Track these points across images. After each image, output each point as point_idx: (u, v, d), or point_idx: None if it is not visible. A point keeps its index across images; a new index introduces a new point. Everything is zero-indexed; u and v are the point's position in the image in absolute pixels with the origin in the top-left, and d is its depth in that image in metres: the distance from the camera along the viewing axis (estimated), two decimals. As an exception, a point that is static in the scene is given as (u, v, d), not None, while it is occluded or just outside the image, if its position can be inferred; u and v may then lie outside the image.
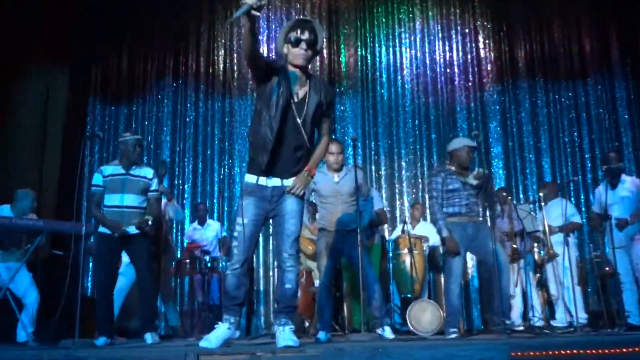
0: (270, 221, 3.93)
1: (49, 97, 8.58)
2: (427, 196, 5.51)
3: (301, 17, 3.83)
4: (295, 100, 3.66)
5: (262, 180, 3.67)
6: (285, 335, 3.53)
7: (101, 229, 5.30)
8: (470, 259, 8.47)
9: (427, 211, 9.05)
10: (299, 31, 3.64)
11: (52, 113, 8.59)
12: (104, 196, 5.32)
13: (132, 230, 5.20)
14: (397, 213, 9.31)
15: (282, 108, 3.58)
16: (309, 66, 3.81)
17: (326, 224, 5.37)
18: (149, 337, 5.13)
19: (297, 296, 3.91)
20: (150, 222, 5.26)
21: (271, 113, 3.58)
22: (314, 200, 5.64)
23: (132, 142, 5.39)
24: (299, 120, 3.64)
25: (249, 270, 3.83)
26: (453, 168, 5.36)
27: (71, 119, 8.90)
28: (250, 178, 3.69)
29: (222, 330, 3.62)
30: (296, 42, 3.63)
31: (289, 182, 3.67)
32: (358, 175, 5.31)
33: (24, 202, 6.03)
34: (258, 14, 3.28)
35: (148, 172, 5.46)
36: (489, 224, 6.14)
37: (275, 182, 3.67)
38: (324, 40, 3.77)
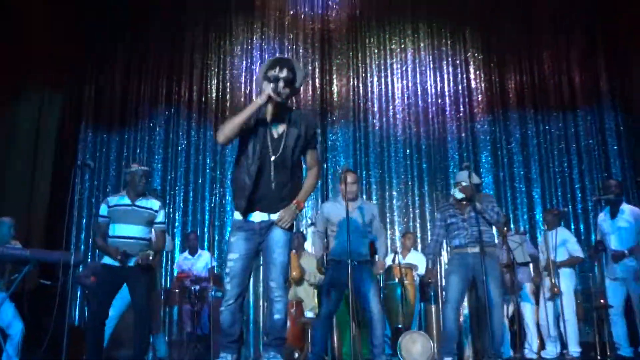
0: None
1: (40, 123, 8.56)
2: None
3: (279, 55, 3.89)
4: (275, 136, 3.70)
5: (250, 217, 3.70)
6: None
7: (105, 259, 5.27)
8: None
9: (418, 240, 9.09)
10: (277, 69, 3.68)
11: (44, 139, 8.57)
12: (109, 227, 5.30)
13: (131, 263, 5.16)
14: (389, 242, 9.28)
15: (259, 153, 3.64)
16: (290, 101, 3.90)
17: (336, 255, 5.35)
18: None
19: (287, 327, 3.86)
20: (151, 257, 5.22)
21: (249, 160, 3.65)
22: (321, 230, 5.66)
23: (139, 173, 5.38)
24: (277, 157, 3.67)
25: (243, 304, 3.78)
26: (454, 202, 5.55)
27: (62, 146, 8.89)
28: (238, 215, 3.73)
29: None
30: (275, 80, 3.65)
31: (275, 216, 3.68)
32: (372, 208, 5.37)
33: (1, 230, 5.98)
34: (278, 99, 3.56)
35: (154, 203, 5.43)
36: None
37: (262, 216, 3.69)
38: (304, 77, 3.80)
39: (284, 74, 3.67)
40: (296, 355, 6.44)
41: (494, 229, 5.76)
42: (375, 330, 5.27)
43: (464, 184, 5.43)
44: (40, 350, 5.27)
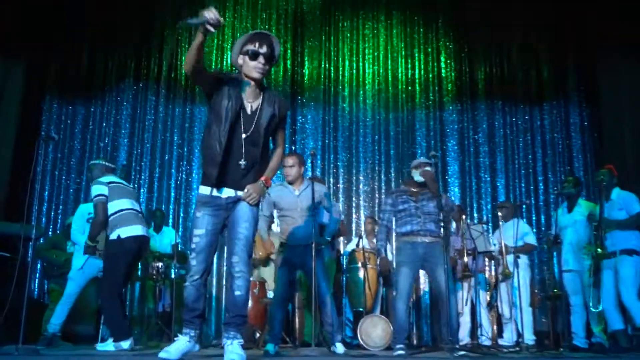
0: None
1: (2, 93, 8.35)
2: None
3: (260, 30, 3.80)
4: (248, 112, 3.68)
5: (216, 192, 3.67)
6: (232, 349, 3.50)
7: None
8: (423, 275, 8.55)
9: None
10: (257, 44, 3.64)
11: (6, 110, 8.36)
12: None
13: None
14: (353, 226, 9.37)
15: (231, 121, 3.60)
16: (265, 78, 3.83)
17: (285, 238, 5.37)
18: (128, 344, 5.12)
19: (248, 305, 3.86)
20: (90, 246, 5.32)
21: (220, 127, 3.59)
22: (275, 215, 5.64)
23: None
24: (250, 133, 3.66)
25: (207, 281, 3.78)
26: (406, 187, 5.49)
27: (25, 117, 8.67)
28: (204, 190, 3.69)
29: (182, 343, 3.61)
30: (254, 56, 3.63)
31: (241, 192, 3.68)
32: (318, 188, 5.34)
33: None
34: (213, 30, 3.30)
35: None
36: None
37: (229, 192, 3.68)
38: (280, 53, 3.77)
39: (264, 49, 3.64)
40: (257, 335, 6.47)
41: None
42: (326, 310, 5.28)
43: (427, 168, 5.42)
44: (-2, 322, 5.20)
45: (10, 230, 5.61)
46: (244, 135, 3.64)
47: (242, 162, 3.64)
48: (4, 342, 4.79)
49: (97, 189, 5.44)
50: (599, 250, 5.80)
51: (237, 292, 3.60)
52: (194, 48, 3.39)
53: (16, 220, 6.62)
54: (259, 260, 7.11)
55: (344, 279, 7.29)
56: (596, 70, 9.29)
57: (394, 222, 5.51)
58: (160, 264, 7.13)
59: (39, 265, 8.36)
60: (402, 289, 5.20)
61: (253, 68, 3.63)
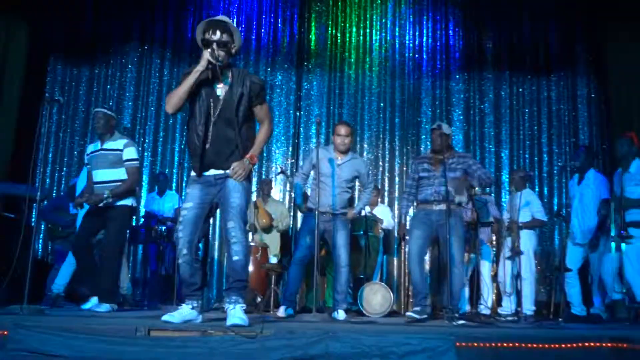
0: None
1: (7, 55, 8.30)
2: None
3: (213, 17, 3.86)
4: (218, 95, 3.78)
5: (205, 173, 3.81)
6: (235, 313, 3.59)
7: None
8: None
9: (386, 194, 9.19)
10: (210, 32, 3.75)
11: (10, 72, 8.32)
12: (92, 173, 5.48)
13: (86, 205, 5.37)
14: (356, 194, 9.35)
15: (205, 113, 3.72)
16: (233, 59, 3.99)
17: (315, 204, 5.38)
18: (105, 306, 5.11)
19: (247, 269, 4.04)
20: (104, 198, 5.24)
21: (196, 121, 3.74)
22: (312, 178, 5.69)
23: (94, 116, 5.55)
24: (220, 113, 3.75)
25: (197, 252, 3.87)
26: (429, 154, 5.56)
27: (30, 79, 8.62)
28: (194, 174, 3.86)
29: (186, 310, 3.72)
30: (206, 44, 3.74)
31: (229, 170, 3.78)
32: (360, 165, 5.42)
33: None
34: (215, 65, 3.66)
35: (119, 143, 5.47)
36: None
37: (217, 172, 3.81)
38: (241, 38, 3.86)
39: (216, 36, 3.73)
40: (258, 299, 6.54)
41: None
42: (340, 278, 5.42)
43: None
44: (3, 282, 5.25)
45: (15, 192, 5.64)
46: (218, 119, 3.75)
47: (219, 142, 3.76)
48: (9, 301, 4.84)
49: (135, 152, 5.49)
50: (622, 232, 5.74)
51: (235, 257, 3.71)
52: (186, 89, 3.67)
53: (21, 182, 6.64)
54: (262, 227, 7.15)
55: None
56: (605, 42, 9.17)
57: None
58: (163, 227, 7.19)
59: (42, 226, 8.43)
60: (412, 250, 5.33)
61: (207, 55, 3.69)
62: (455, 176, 5.36)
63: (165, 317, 3.55)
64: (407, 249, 5.49)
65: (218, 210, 4.11)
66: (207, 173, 3.80)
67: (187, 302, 3.78)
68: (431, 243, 5.87)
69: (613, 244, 5.86)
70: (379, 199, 8.00)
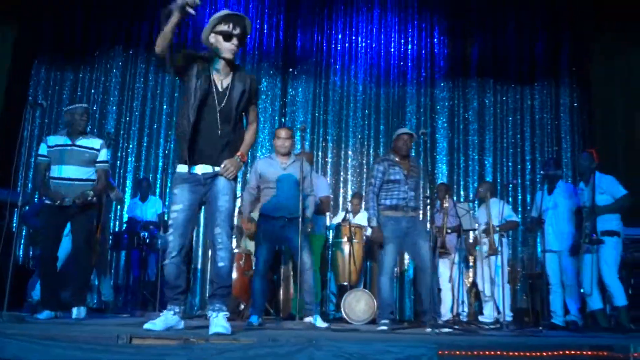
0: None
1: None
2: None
3: (232, 11, 3.83)
4: (220, 89, 3.75)
5: (194, 169, 3.73)
6: (217, 321, 3.55)
7: (47, 199, 5.20)
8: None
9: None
10: (231, 25, 3.70)
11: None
12: (49, 167, 5.22)
13: (69, 202, 5.09)
14: (341, 200, 9.40)
15: (199, 99, 3.67)
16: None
17: (268, 211, 5.38)
18: (75, 311, 5.06)
19: (231, 276, 3.99)
20: (89, 198, 5.16)
21: (189, 105, 3.67)
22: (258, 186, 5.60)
23: (79, 111, 5.29)
24: (221, 108, 3.72)
25: (187, 255, 3.82)
26: (396, 158, 5.45)
27: (13, 82, 8.55)
28: (182, 167, 3.76)
29: (168, 316, 3.67)
30: (228, 37, 3.69)
31: (218, 168, 3.73)
32: (305, 165, 5.36)
33: None
34: (191, 11, 3.51)
35: (96, 142, 5.35)
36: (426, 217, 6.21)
37: (206, 168, 3.74)
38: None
39: (237, 31, 3.70)
40: (242, 306, 6.51)
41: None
42: (308, 281, 5.28)
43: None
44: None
45: (-4, 196, 5.57)
46: (218, 109, 3.71)
47: (218, 135, 3.71)
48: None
49: (107, 154, 5.41)
50: (593, 235, 5.89)
51: (221, 264, 3.67)
52: (168, 29, 3.54)
53: (2, 187, 6.58)
54: (248, 235, 7.12)
55: (329, 253, 7.33)
56: (588, 52, 9.30)
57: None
58: (146, 233, 7.15)
59: (24, 231, 8.35)
60: (386, 264, 5.24)
61: (227, 49, 3.70)
62: (417, 182, 5.47)
63: (147, 325, 3.50)
64: (380, 263, 5.39)
65: (201, 214, 4.06)
66: (195, 170, 3.72)
67: (170, 307, 3.72)
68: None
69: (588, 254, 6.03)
70: (360, 206, 7.96)
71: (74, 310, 5.07)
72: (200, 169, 3.73)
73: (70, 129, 5.28)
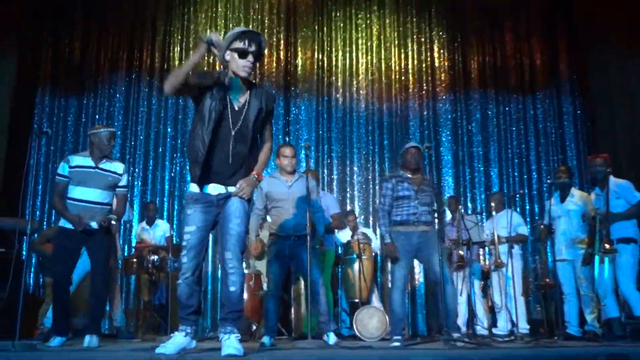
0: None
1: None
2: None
3: (247, 29, 3.82)
4: (236, 108, 3.71)
5: (207, 189, 3.69)
6: (230, 343, 3.51)
7: (63, 222, 5.14)
8: (418, 265, 8.59)
9: (364, 218, 9.17)
10: (246, 42, 3.67)
11: (-1, 104, 8.33)
12: (67, 187, 5.12)
13: (94, 225, 5.06)
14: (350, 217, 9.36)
15: (215, 120, 3.63)
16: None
17: (276, 229, 5.38)
18: (87, 340, 4.97)
19: (243, 300, 3.96)
20: (113, 222, 5.15)
21: (204, 127, 3.63)
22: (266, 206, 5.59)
23: (106, 135, 5.21)
24: (237, 128, 3.68)
25: (200, 276, 3.79)
26: (406, 174, 5.43)
27: (18, 111, 8.62)
28: (194, 187, 3.72)
29: (179, 338, 3.63)
30: (244, 54, 3.66)
31: (232, 188, 3.68)
32: (309, 182, 5.35)
33: None
34: (215, 51, 3.59)
35: (119, 167, 5.30)
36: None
37: (219, 189, 3.70)
38: (274, 43, 3.85)
39: (252, 48, 3.68)
40: (254, 327, 6.50)
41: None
42: (320, 301, 5.25)
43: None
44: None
45: (5, 226, 5.58)
46: (233, 131, 3.66)
47: (231, 156, 3.65)
48: (0, 337, 4.78)
49: (128, 179, 5.44)
50: (606, 246, 5.76)
51: (232, 288, 3.62)
52: (185, 70, 3.55)
53: (10, 215, 6.59)
54: (255, 256, 7.10)
55: (339, 270, 7.31)
56: (588, 59, 9.33)
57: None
58: (155, 257, 7.14)
59: (34, 259, 8.36)
60: (398, 280, 5.22)
61: (242, 66, 3.67)
62: (429, 198, 5.42)
63: (159, 350, 3.48)
64: (391, 278, 5.37)
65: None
66: (208, 191, 3.68)
67: (181, 328, 3.68)
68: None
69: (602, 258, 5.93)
70: (354, 225, 7.85)
71: (87, 337, 4.96)
72: (213, 189, 3.69)
73: (94, 151, 5.21)
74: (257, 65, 3.86)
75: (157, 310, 7.26)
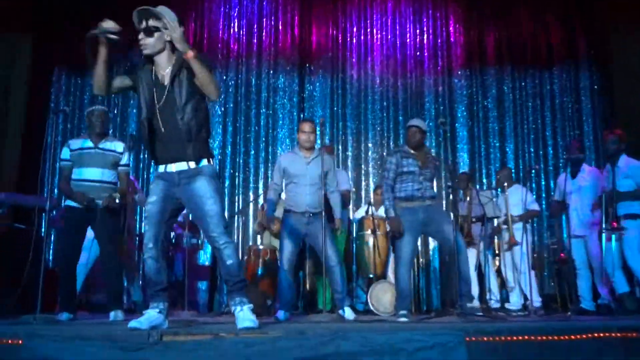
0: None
1: (12, 66, 8.37)
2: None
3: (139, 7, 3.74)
4: (165, 84, 3.63)
5: (169, 167, 3.66)
6: (245, 315, 3.54)
7: (68, 202, 5.26)
8: (433, 240, 8.61)
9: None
10: (136, 23, 3.64)
11: (16, 84, 8.40)
12: (72, 170, 5.27)
13: (99, 203, 5.16)
14: (363, 194, 9.41)
15: (148, 103, 3.62)
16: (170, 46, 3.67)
17: (292, 205, 5.41)
18: (112, 315, 5.14)
19: (242, 269, 3.96)
20: (117, 200, 5.23)
21: (143, 113, 3.64)
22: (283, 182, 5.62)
23: (96, 113, 5.35)
24: (172, 101, 3.59)
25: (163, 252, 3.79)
26: (409, 149, 5.39)
27: (35, 91, 8.70)
28: (159, 167, 3.71)
29: (152, 314, 3.59)
30: (138, 34, 3.62)
31: (193, 163, 3.63)
32: (327, 158, 5.37)
33: None
34: (116, 38, 3.50)
35: (118, 145, 5.40)
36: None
37: (181, 166, 3.65)
38: (176, 18, 3.57)
39: (142, 25, 3.61)
40: (269, 302, 6.57)
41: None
42: (335, 278, 5.31)
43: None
44: (16, 292, 5.31)
45: (25, 203, 5.68)
46: (170, 107, 3.59)
47: (179, 128, 3.58)
48: (22, 312, 4.88)
49: (129, 157, 5.49)
50: (613, 224, 5.76)
51: (229, 261, 3.62)
52: (101, 66, 3.53)
53: (30, 193, 6.70)
54: (273, 234, 7.14)
55: (354, 246, 7.34)
56: (607, 33, 9.18)
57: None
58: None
59: (53, 236, 8.49)
60: (404, 255, 5.18)
61: (140, 47, 3.63)
62: (433, 173, 5.43)
63: (132, 324, 3.41)
64: (396, 254, 5.35)
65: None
66: (168, 169, 3.65)
67: (153, 304, 3.63)
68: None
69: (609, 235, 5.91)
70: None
71: (112, 313, 5.14)
72: (172, 167, 3.66)
73: (90, 131, 5.35)
74: (166, 36, 3.67)
75: (173, 286, 7.35)
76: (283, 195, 5.79)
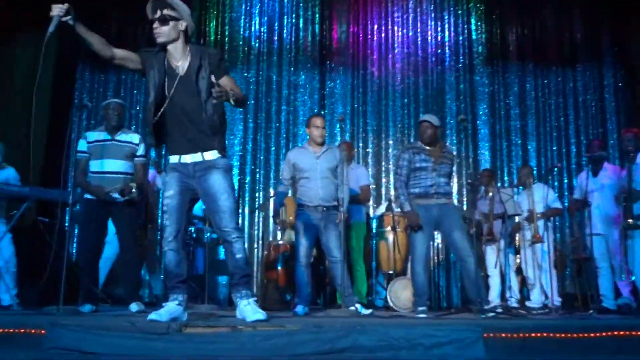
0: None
1: (37, 62, 8.48)
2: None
3: None
4: (181, 74, 3.68)
5: (183, 158, 3.71)
6: (252, 308, 3.61)
7: (87, 195, 5.34)
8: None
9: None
10: (150, 13, 3.71)
11: (41, 79, 8.50)
12: (89, 163, 5.35)
13: (116, 195, 5.22)
14: (383, 191, 9.40)
15: (157, 91, 3.66)
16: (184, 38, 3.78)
17: (305, 200, 5.44)
18: (134, 306, 5.22)
19: (249, 264, 4.00)
20: (134, 190, 5.28)
21: (150, 98, 3.69)
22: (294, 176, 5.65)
23: (112, 106, 5.44)
24: (190, 93, 3.65)
25: (186, 244, 3.82)
26: (423, 145, 5.38)
27: (59, 86, 8.82)
28: (172, 157, 3.76)
29: (172, 306, 3.65)
30: (151, 25, 3.70)
31: (209, 154, 3.68)
32: (337, 154, 5.40)
33: None
34: (69, 17, 3.60)
35: (134, 137, 5.49)
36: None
37: (196, 157, 3.70)
38: (189, 11, 3.75)
39: (157, 14, 3.69)
40: (288, 297, 6.60)
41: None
42: (335, 273, 5.35)
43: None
44: (39, 285, 5.39)
45: (48, 196, 5.76)
46: (184, 98, 3.65)
47: (196, 122, 3.65)
48: (45, 303, 4.96)
49: (145, 148, 5.55)
50: (629, 221, 5.74)
51: (239, 255, 3.69)
52: (88, 41, 3.66)
53: (53, 187, 6.78)
54: (289, 224, 7.19)
55: (374, 242, 7.34)
56: (631, 30, 9.06)
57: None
58: (192, 228, 7.27)
59: (76, 229, 8.59)
60: (419, 252, 5.19)
61: (154, 34, 3.70)
62: (449, 169, 5.41)
63: (151, 316, 3.49)
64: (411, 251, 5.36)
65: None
66: (183, 160, 3.71)
67: (172, 297, 3.70)
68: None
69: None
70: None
71: (133, 305, 5.24)
72: (188, 158, 3.73)
73: (107, 124, 5.42)
74: (179, 24, 3.72)
75: (194, 280, 7.41)
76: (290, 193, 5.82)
